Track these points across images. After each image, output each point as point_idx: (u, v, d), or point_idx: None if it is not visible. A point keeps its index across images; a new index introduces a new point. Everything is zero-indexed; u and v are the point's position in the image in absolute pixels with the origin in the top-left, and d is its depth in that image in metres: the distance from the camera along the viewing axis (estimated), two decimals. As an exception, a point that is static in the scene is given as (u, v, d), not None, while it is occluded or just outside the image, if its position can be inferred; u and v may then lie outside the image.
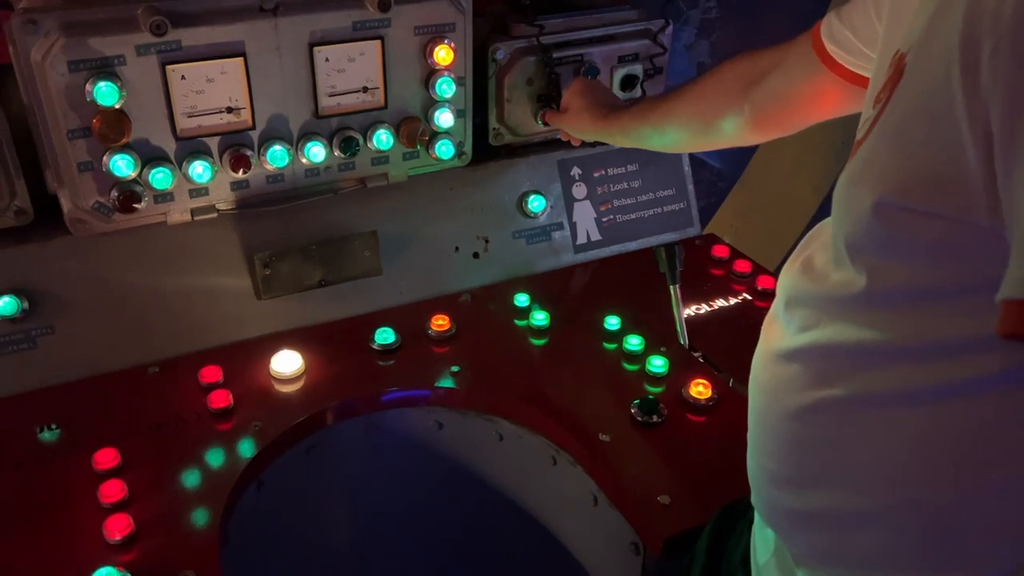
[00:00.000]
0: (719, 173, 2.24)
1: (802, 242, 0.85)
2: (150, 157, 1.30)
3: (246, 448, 1.22)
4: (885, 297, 0.68)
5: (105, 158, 1.26)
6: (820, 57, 1.01)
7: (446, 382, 1.36)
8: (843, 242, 0.71)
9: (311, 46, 1.33)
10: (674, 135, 1.30)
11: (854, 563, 0.75)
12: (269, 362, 1.35)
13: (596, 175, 1.71)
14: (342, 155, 1.43)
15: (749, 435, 0.88)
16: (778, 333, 0.82)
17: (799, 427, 0.77)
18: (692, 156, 1.83)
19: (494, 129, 1.61)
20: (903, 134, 0.64)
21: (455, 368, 1.39)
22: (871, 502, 0.72)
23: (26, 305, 1.30)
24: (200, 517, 1.11)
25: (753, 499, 0.90)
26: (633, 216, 1.75)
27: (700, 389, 1.32)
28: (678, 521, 1.12)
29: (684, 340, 1.46)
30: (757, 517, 0.93)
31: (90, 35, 1.19)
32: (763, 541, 0.90)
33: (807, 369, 0.76)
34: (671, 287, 1.46)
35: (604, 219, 1.72)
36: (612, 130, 1.40)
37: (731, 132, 1.21)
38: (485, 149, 1.62)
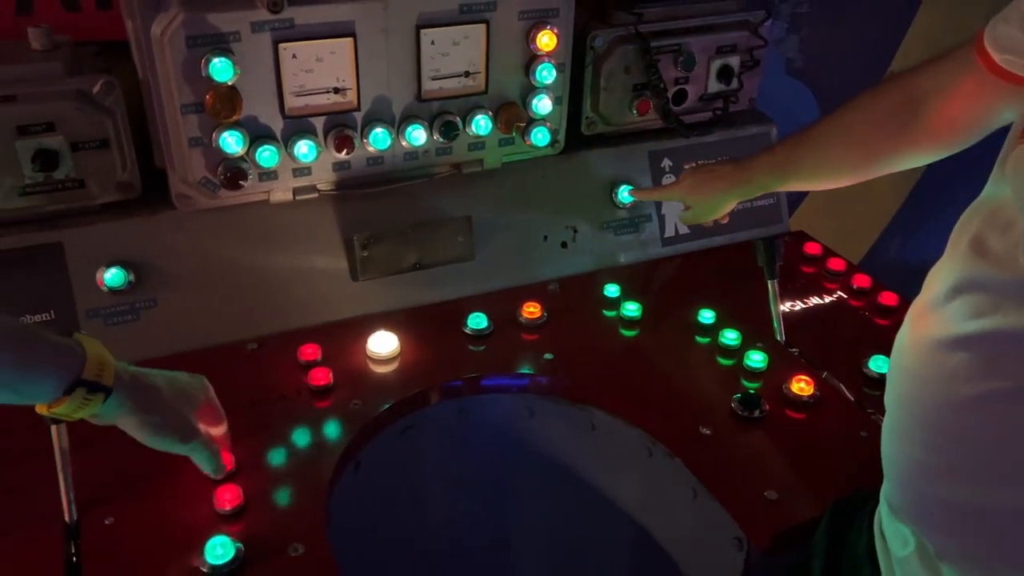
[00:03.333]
0: (800, 171, 2.21)
1: (959, 225, 0.83)
2: (258, 135, 1.31)
3: (346, 427, 1.22)
4: None
5: (215, 134, 1.28)
6: (991, 70, 0.93)
7: (539, 370, 1.36)
8: None
9: (418, 28, 1.33)
10: (834, 176, 1.25)
11: (1013, 562, 0.73)
12: (365, 342, 1.36)
13: (686, 167, 1.69)
14: (441, 139, 1.43)
15: (891, 425, 0.86)
16: (939, 321, 0.80)
17: (966, 417, 0.75)
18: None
19: (587, 118, 1.60)
20: None
21: (548, 356, 1.38)
22: None
23: (132, 278, 1.32)
24: (305, 493, 1.12)
25: (891, 491, 0.88)
26: (722, 210, 1.72)
27: (802, 386, 1.30)
28: (787, 516, 1.10)
29: (781, 336, 1.44)
30: (886, 511, 0.90)
31: (208, 11, 1.21)
32: (896, 535, 0.87)
33: (981, 357, 0.74)
34: (769, 281, 1.44)
35: (693, 212, 1.70)
36: (757, 168, 1.31)
37: (901, 163, 1.15)
38: (576, 138, 1.61)
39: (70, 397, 0.88)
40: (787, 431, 1.25)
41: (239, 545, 1.02)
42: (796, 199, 2.22)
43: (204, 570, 1.00)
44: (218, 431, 1.10)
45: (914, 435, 0.82)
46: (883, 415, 1.09)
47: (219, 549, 1.00)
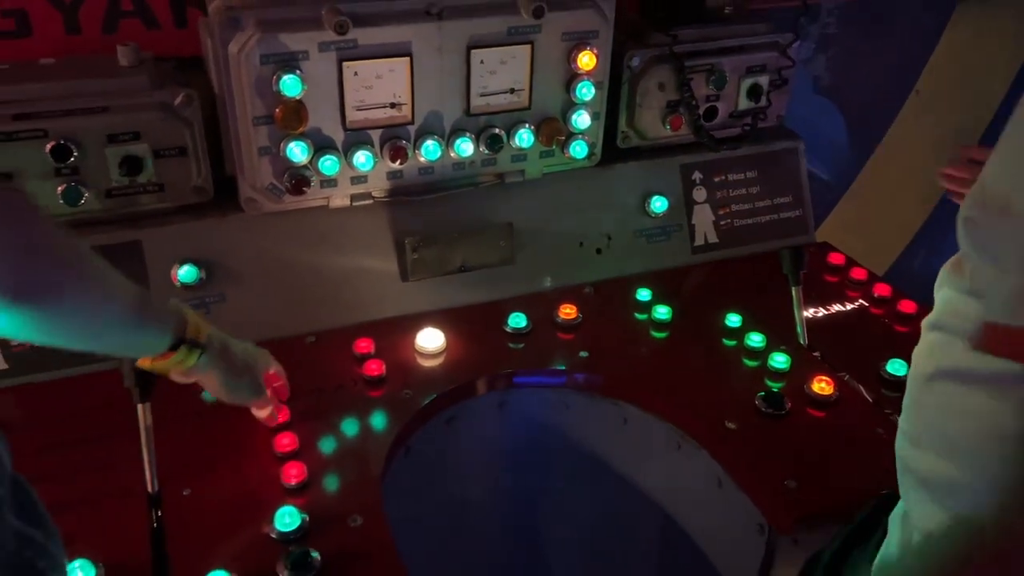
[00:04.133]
0: (827, 184, 2.29)
1: None
2: (321, 145, 1.42)
3: (397, 415, 1.33)
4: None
5: (282, 144, 1.40)
6: None
7: (574, 368, 1.45)
8: None
9: (469, 48, 1.44)
10: None
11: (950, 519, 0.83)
12: (414, 338, 1.47)
13: (716, 180, 1.78)
14: (487, 151, 1.53)
15: None
16: (934, 308, 0.91)
17: (920, 390, 0.86)
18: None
19: (623, 132, 1.70)
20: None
21: (583, 354, 1.48)
22: (959, 474, 0.80)
23: (203, 274, 1.44)
24: (361, 472, 1.22)
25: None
26: (750, 221, 1.81)
27: (822, 386, 1.38)
28: (807, 503, 1.19)
29: (804, 340, 1.52)
30: None
31: (281, 32, 1.32)
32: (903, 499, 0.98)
33: (942, 338, 0.84)
34: (793, 288, 1.53)
35: (722, 222, 1.79)
36: None
37: None
38: (612, 151, 1.71)
39: (175, 353, 1.03)
40: (808, 427, 1.33)
41: (305, 515, 1.13)
42: (822, 213, 2.30)
43: (274, 536, 1.11)
44: (279, 383, 1.29)
45: (904, 408, 0.92)
46: (899, 415, 1.18)
47: (287, 518, 1.11)
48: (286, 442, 1.24)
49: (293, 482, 1.18)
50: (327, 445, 1.26)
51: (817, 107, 2.26)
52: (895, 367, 1.43)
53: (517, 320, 1.53)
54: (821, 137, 2.28)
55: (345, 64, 1.37)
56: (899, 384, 1.41)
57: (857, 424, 1.34)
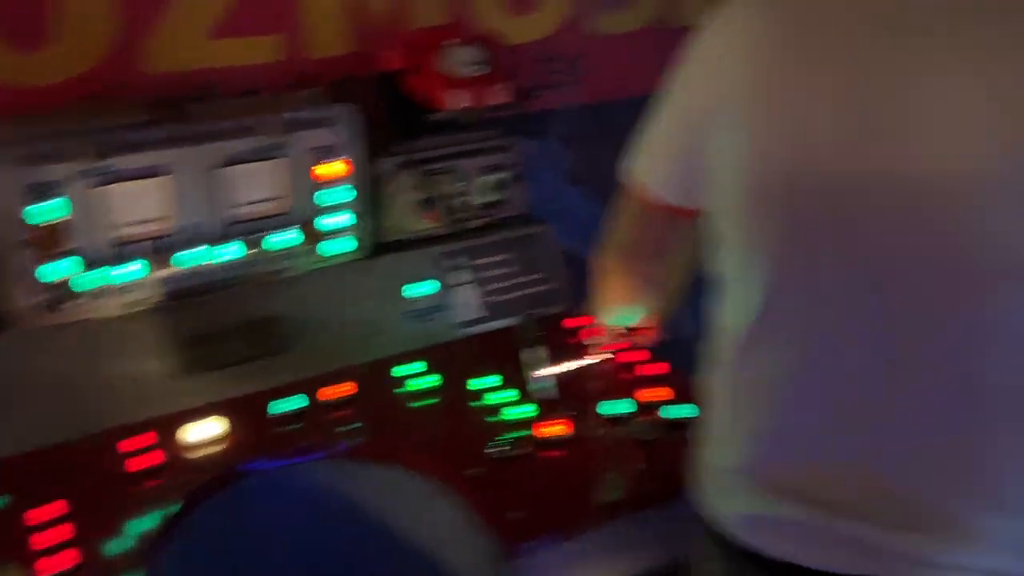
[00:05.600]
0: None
1: None
2: (90, 260, 1.56)
3: (173, 501, 1.44)
4: None
5: (44, 264, 1.52)
6: None
7: (342, 440, 1.63)
8: None
9: (226, 165, 1.64)
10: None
11: None
12: (194, 429, 1.59)
13: (473, 263, 2.04)
14: (254, 253, 1.72)
15: None
16: None
17: None
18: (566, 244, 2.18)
19: (382, 228, 1.93)
20: None
21: (356, 425, 1.65)
22: None
23: (-25, 389, 1.52)
24: (133, 560, 1.33)
25: None
26: (508, 297, 2.07)
27: (556, 429, 1.62)
28: (530, 529, 1.40)
29: (543, 394, 1.75)
30: None
31: (44, 163, 1.48)
32: None
33: None
34: (520, 352, 1.77)
35: (482, 300, 2.04)
36: None
37: None
38: (376, 245, 1.94)
39: None
40: (540, 465, 1.55)
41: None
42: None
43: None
44: None
45: None
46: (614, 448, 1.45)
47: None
48: (59, 535, 1.32)
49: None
50: (102, 533, 1.36)
51: (572, 196, 2.60)
52: (605, 407, 1.68)
53: (293, 403, 1.69)
54: (576, 222, 2.61)
55: (107, 187, 1.54)
56: (615, 420, 1.66)
57: (583, 460, 1.58)
